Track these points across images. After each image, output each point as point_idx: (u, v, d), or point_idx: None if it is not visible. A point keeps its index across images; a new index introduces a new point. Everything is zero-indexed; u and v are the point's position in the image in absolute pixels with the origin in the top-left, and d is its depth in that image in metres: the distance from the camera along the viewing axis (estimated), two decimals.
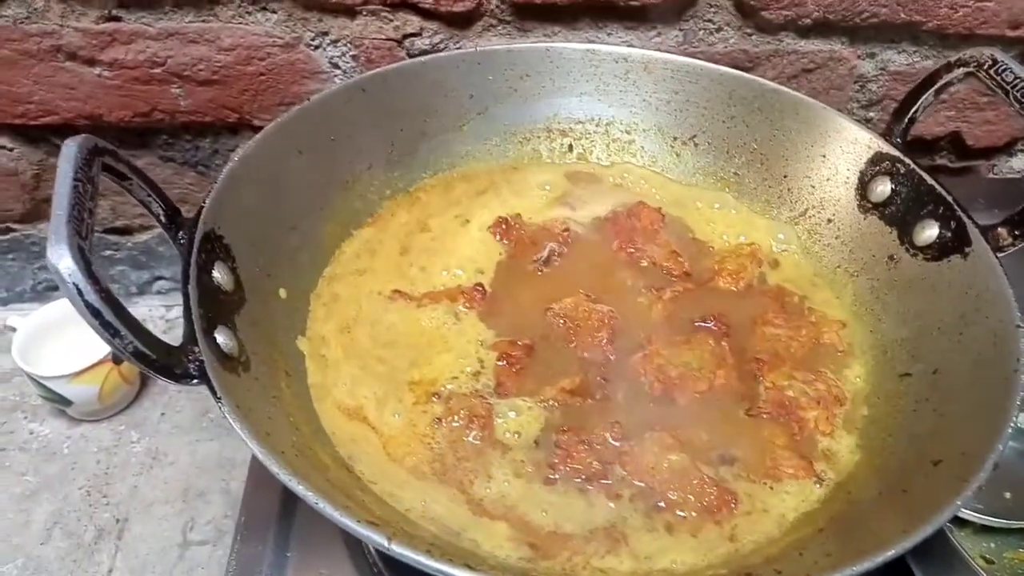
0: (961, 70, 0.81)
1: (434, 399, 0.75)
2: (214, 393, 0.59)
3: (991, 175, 1.32)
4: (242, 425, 0.58)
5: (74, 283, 0.53)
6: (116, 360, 1.21)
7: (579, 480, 0.70)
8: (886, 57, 1.16)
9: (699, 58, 0.96)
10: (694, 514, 0.68)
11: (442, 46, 1.12)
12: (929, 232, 0.81)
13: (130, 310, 0.56)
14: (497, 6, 1.09)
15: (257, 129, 1.17)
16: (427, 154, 0.95)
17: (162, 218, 0.69)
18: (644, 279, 0.88)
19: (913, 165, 0.84)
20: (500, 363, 0.78)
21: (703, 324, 0.83)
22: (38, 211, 1.29)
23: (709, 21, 1.12)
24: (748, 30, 1.12)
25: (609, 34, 1.13)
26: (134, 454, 1.24)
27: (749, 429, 0.75)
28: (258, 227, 0.77)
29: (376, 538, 0.53)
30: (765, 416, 0.76)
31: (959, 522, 0.81)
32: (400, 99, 0.92)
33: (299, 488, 0.55)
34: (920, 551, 0.57)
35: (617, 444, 0.72)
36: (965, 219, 0.78)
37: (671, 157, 1.00)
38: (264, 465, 0.56)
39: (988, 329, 0.72)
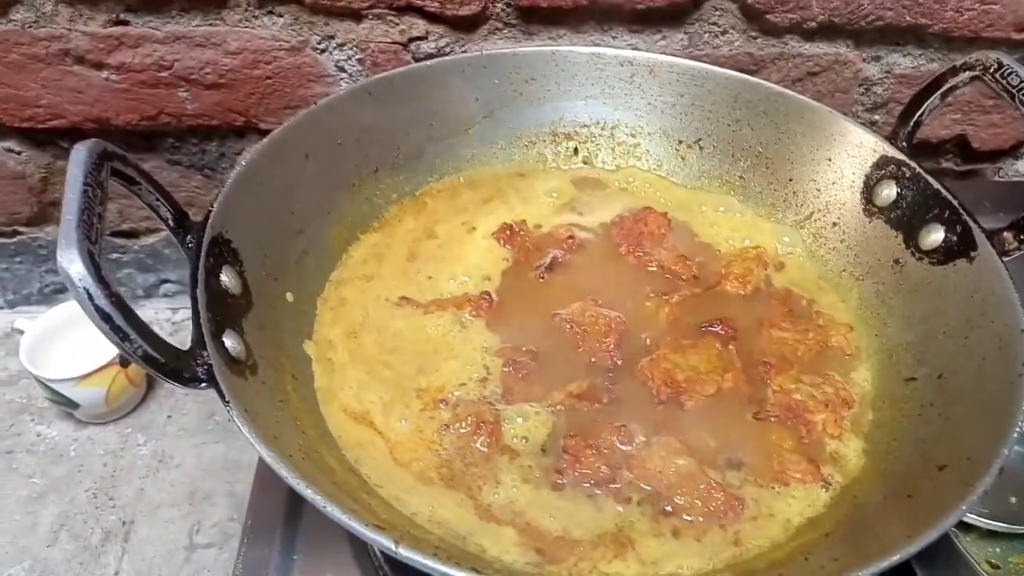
0: (967, 74, 0.81)
1: (441, 405, 0.75)
2: (223, 397, 0.59)
3: (997, 178, 1.32)
4: (250, 429, 0.58)
5: (85, 287, 0.53)
6: (123, 363, 1.22)
7: (587, 485, 0.70)
8: (891, 60, 1.16)
9: (704, 61, 0.96)
10: (701, 519, 0.68)
11: (448, 49, 1.13)
12: (935, 236, 0.81)
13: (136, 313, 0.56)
14: (502, 9, 1.09)
15: (263, 132, 1.18)
16: (433, 158, 0.96)
17: (170, 222, 0.69)
18: (651, 283, 0.88)
19: (919, 169, 0.84)
20: (506, 369, 0.78)
21: (710, 328, 0.83)
22: (45, 214, 1.30)
23: (714, 24, 1.12)
24: (753, 33, 1.12)
25: (614, 37, 1.13)
26: (140, 457, 1.24)
27: (757, 433, 0.75)
28: (265, 231, 0.78)
29: (384, 542, 0.53)
30: (773, 419, 0.76)
31: (964, 527, 0.81)
32: (406, 103, 0.92)
33: (307, 492, 0.55)
34: (925, 556, 0.57)
35: (624, 448, 0.72)
36: (971, 223, 0.78)
37: (676, 160, 1.00)
38: (271, 468, 0.56)
39: (993, 333, 0.72)
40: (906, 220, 0.84)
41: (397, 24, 1.10)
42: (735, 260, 0.91)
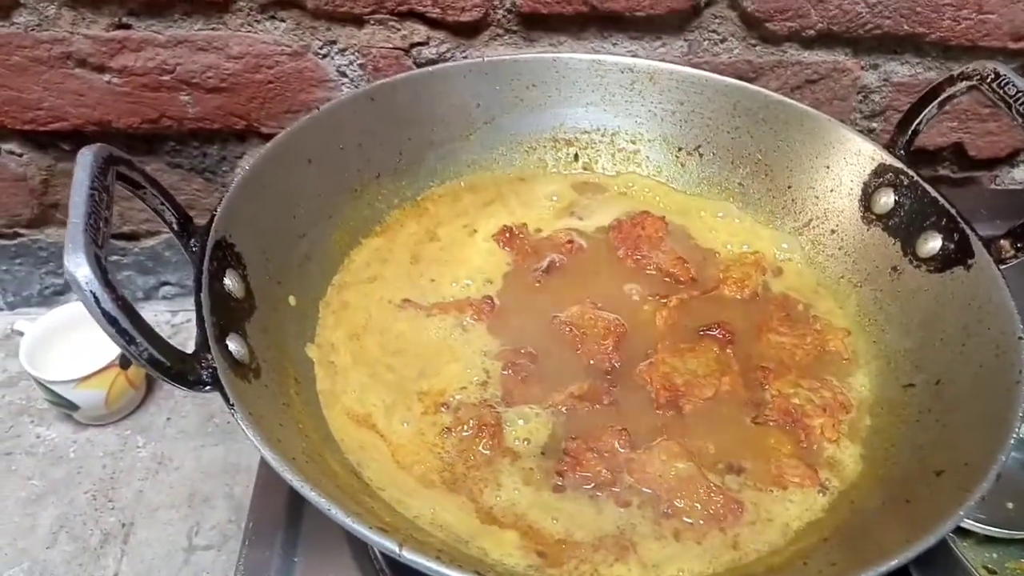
0: (964, 83, 0.82)
1: (443, 409, 0.76)
2: (227, 400, 0.60)
3: (993, 186, 1.33)
4: (255, 432, 0.58)
5: (91, 291, 0.53)
6: (123, 365, 1.22)
7: (589, 487, 0.70)
8: (889, 68, 1.16)
9: (704, 69, 0.97)
10: (701, 522, 0.69)
11: (449, 55, 1.13)
12: (932, 244, 0.82)
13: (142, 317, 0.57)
14: (504, 16, 1.10)
15: (265, 136, 1.19)
16: (434, 163, 0.96)
17: (175, 226, 0.70)
18: (650, 287, 0.89)
19: (916, 177, 0.85)
20: (505, 372, 0.79)
21: (708, 332, 0.84)
22: (46, 216, 1.30)
23: (714, 32, 1.13)
24: (752, 41, 1.13)
25: (615, 44, 1.14)
26: (140, 459, 1.25)
27: (755, 437, 0.76)
28: (268, 235, 0.78)
29: (388, 545, 0.54)
30: (771, 424, 0.77)
31: (962, 532, 0.81)
32: (408, 108, 0.92)
33: (311, 495, 0.56)
34: (923, 561, 0.58)
35: (625, 452, 0.73)
36: (968, 231, 0.79)
37: (676, 167, 1.00)
38: (273, 471, 0.57)
39: (991, 340, 0.72)
40: (904, 228, 0.85)
41: (399, 30, 1.10)
42: (733, 264, 0.92)
